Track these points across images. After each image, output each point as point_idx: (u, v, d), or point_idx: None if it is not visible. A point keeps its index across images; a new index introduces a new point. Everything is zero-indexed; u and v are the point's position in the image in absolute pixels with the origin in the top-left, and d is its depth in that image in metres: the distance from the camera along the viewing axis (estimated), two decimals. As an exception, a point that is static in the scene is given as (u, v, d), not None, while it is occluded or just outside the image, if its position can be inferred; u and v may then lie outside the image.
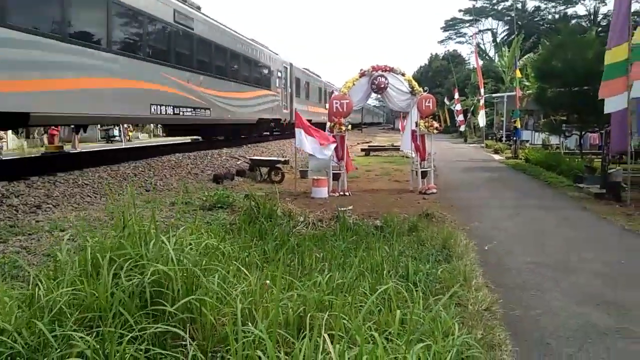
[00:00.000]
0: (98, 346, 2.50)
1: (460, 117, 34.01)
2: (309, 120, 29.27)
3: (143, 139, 31.94)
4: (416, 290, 3.51)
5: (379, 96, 11.45)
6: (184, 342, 2.68)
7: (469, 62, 61.11)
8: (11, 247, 5.26)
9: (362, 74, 10.64)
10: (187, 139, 20.63)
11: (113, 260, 3.20)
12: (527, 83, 25.85)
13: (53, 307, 2.79)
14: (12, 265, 4.50)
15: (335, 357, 2.09)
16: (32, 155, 14.24)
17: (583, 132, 16.34)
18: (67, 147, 19.38)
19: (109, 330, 2.55)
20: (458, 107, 33.73)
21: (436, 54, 71.24)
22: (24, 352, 2.53)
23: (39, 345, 2.59)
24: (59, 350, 2.51)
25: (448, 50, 68.76)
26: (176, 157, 13.23)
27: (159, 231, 3.60)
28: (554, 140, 21.83)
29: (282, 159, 13.01)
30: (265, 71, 22.44)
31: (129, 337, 2.55)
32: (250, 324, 2.80)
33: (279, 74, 24.45)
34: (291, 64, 27.14)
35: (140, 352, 2.57)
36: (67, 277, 3.06)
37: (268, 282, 3.29)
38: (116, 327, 2.62)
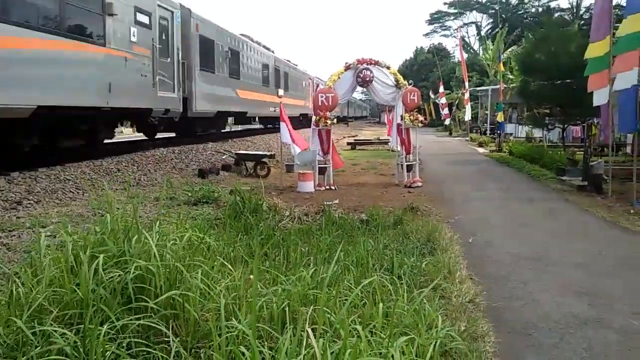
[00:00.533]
0: (79, 342, 2.47)
1: (445, 111, 34.16)
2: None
3: (127, 134, 31.54)
4: (400, 284, 3.52)
5: (365, 89, 11.45)
6: (166, 339, 2.66)
7: (454, 56, 61.49)
8: (-9, 244, 5.15)
9: (347, 67, 10.62)
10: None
11: (95, 257, 3.16)
12: (511, 76, 26.09)
13: (33, 305, 2.75)
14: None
15: (319, 351, 2.08)
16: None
17: (566, 125, 16.55)
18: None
19: (89, 327, 2.52)
20: (443, 100, 33.87)
21: (421, 47, 71.38)
22: (1, 350, 2.49)
23: (17, 343, 2.54)
24: (38, 347, 2.47)
25: (433, 44, 68.99)
26: (160, 152, 13.10)
27: (140, 227, 3.55)
28: (537, 133, 22.08)
29: (268, 153, 12.96)
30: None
31: (107, 331, 2.52)
32: (234, 319, 2.79)
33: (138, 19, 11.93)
34: (190, 11, 15.45)
35: (122, 349, 2.54)
36: (48, 274, 3.01)
37: (252, 277, 3.27)
38: (97, 324, 2.59)
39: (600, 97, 9.31)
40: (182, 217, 5.57)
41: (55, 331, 2.53)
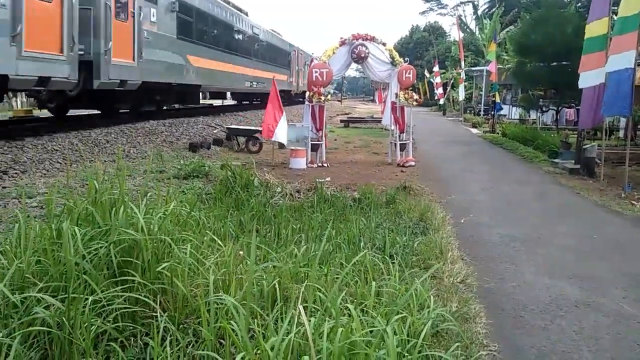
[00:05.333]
0: (64, 310, 2.39)
1: (440, 90, 33.99)
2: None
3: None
4: (392, 263, 3.48)
5: (359, 66, 11.28)
6: (154, 314, 2.60)
7: (450, 35, 60.83)
8: (-26, 213, 5.03)
9: (342, 43, 10.43)
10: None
11: (81, 229, 3.07)
12: (506, 57, 25.89)
13: (16, 276, 2.66)
14: (-25, 232, 4.31)
15: (310, 329, 2.03)
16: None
17: (560, 108, 16.51)
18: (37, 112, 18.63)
19: (73, 297, 2.44)
20: (438, 79, 33.65)
21: (417, 25, 70.54)
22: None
23: (-1, 313, 2.46)
24: (20, 317, 2.40)
25: (429, 22, 68.17)
26: (150, 124, 12.87)
27: (128, 199, 3.46)
28: (531, 115, 22.05)
29: (260, 129, 12.79)
30: None
31: (92, 307, 2.45)
32: (224, 295, 2.73)
33: None
34: None
35: (108, 323, 2.48)
36: (32, 245, 2.92)
37: (242, 252, 3.22)
38: (82, 297, 2.51)
39: (588, 80, 9.20)
40: (171, 190, 5.47)
41: (39, 301, 2.46)
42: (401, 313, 2.54)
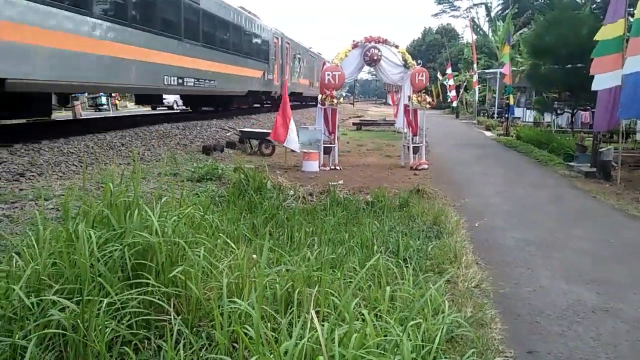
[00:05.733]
0: (78, 312, 2.41)
1: (453, 93, 33.80)
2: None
3: (132, 108, 31.37)
4: (406, 267, 3.45)
5: (372, 69, 11.26)
6: (168, 317, 2.60)
7: (463, 37, 60.48)
8: (-8, 215, 5.11)
9: (354, 45, 10.41)
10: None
11: (96, 231, 3.09)
12: (520, 59, 25.64)
13: (32, 278, 2.69)
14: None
15: (323, 335, 2.02)
16: (16, 122, 13.89)
17: (575, 110, 16.30)
18: (60, 115, 18.82)
19: (88, 299, 2.46)
20: (450, 82, 33.47)
21: (430, 27, 70.32)
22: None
23: (15, 315, 2.49)
24: (36, 320, 2.42)
25: (442, 24, 67.86)
26: (164, 127, 12.98)
27: (142, 202, 3.48)
28: (545, 117, 21.81)
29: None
30: None
31: (107, 309, 2.46)
32: (237, 298, 2.73)
33: None
34: None
35: (122, 326, 2.49)
36: (49, 248, 2.94)
37: (254, 255, 3.21)
38: (97, 299, 2.53)
39: (604, 82, 9.06)
40: (185, 193, 5.51)
41: (55, 303, 2.48)
42: (415, 318, 2.52)
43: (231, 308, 2.56)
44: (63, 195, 5.96)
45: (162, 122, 13.78)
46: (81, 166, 7.93)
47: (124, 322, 2.53)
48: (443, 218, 5.48)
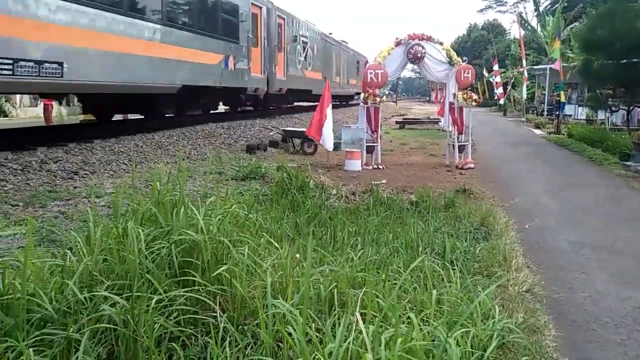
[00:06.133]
0: (128, 306, 2.46)
1: (500, 90, 32.80)
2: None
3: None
4: (453, 269, 3.35)
5: (415, 66, 11.08)
6: (214, 314, 2.63)
7: (510, 33, 58.69)
8: (49, 211, 5.35)
9: (397, 43, 10.27)
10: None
11: (144, 229, 3.17)
12: (571, 54, 24.61)
13: (84, 274, 2.78)
14: (50, 229, 4.57)
15: (368, 338, 1.98)
16: (71, 123, 14.55)
17: (631, 107, 15.47)
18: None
19: (137, 295, 2.52)
20: (497, 79, 32.46)
21: (475, 23, 68.56)
22: (55, 316, 2.53)
23: (69, 309, 2.57)
24: (88, 314, 2.49)
25: (488, 20, 65.99)
26: (210, 127, 13.25)
27: (189, 200, 3.54)
28: (599, 115, 20.81)
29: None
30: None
31: (156, 301, 2.51)
32: (280, 297, 2.73)
33: None
34: None
35: (170, 322, 2.54)
36: (100, 244, 3.03)
37: (298, 255, 3.21)
38: (146, 295, 2.58)
39: None
40: (230, 191, 5.58)
41: (106, 298, 2.55)
42: (464, 323, 2.43)
43: (275, 307, 2.56)
44: (114, 193, 6.17)
45: (208, 122, 14.06)
46: (131, 165, 8.20)
47: (171, 318, 2.57)
48: (491, 219, 5.31)
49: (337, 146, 11.26)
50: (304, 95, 23.38)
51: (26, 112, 23.38)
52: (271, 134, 13.77)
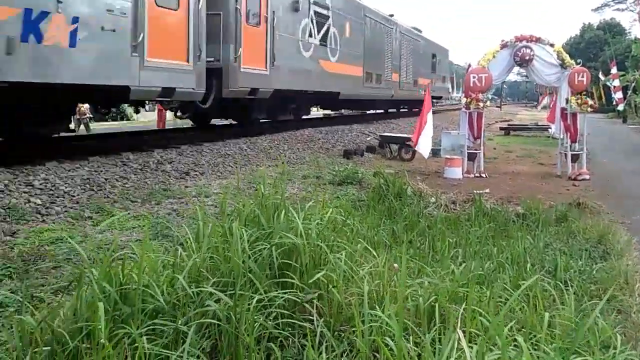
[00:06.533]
0: (231, 304, 2.57)
1: (619, 95, 29.88)
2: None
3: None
4: (566, 290, 3.08)
5: (523, 70, 10.47)
6: (310, 318, 2.66)
7: (630, 32, 53.13)
8: (164, 209, 5.79)
9: (503, 45, 9.77)
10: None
11: (247, 230, 3.30)
12: None
13: (193, 269, 2.95)
14: (164, 225, 4.94)
15: (472, 359, 1.87)
16: (184, 126, 15.69)
17: None
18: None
19: (241, 294, 2.62)
20: (616, 83, 29.63)
21: (589, 23, 63.12)
22: (166, 308, 2.71)
23: (178, 302, 2.74)
24: (195, 308, 2.64)
25: (604, 19, 60.40)
26: (309, 132, 13.57)
27: (288, 203, 3.64)
28: None
29: (412, 136, 12.61)
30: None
31: (257, 301, 2.59)
32: (377, 307, 2.69)
33: None
34: None
35: (269, 321, 2.60)
36: (208, 242, 3.20)
37: (396, 265, 3.14)
38: (248, 294, 2.68)
39: None
40: (327, 196, 5.65)
41: (211, 294, 2.68)
42: (579, 351, 2.21)
43: (372, 316, 2.53)
44: (220, 193, 6.53)
45: (307, 127, 14.41)
46: (236, 167, 8.63)
47: (270, 318, 2.64)
48: (610, 237, 4.82)
49: (436, 153, 10.97)
50: (324, 99, 16.32)
51: (145, 116, 25.61)
52: (368, 139, 13.78)
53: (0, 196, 5.19)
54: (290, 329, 2.68)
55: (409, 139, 11.98)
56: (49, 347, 2.29)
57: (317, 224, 3.39)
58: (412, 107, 25.03)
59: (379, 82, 18.48)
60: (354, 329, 2.54)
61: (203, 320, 2.55)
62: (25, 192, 5.49)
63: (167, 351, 2.30)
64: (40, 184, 5.81)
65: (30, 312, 2.65)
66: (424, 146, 9.47)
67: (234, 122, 13.79)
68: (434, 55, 26.99)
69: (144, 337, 2.28)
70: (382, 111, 23.22)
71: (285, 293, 2.78)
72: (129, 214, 5.42)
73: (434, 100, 24.29)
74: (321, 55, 14.16)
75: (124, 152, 8.07)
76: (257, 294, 2.70)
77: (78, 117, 16.15)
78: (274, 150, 10.68)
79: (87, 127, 16.95)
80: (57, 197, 5.63)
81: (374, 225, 4.78)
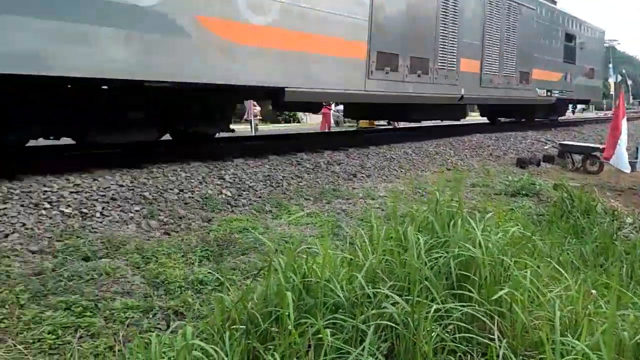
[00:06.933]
0: (409, 309, 2.55)
1: None
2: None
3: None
4: None
5: None
6: (491, 336, 2.51)
7: None
8: (333, 208, 6.05)
9: None
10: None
11: (422, 236, 3.25)
12: None
13: (368, 270, 3.01)
14: (335, 224, 5.16)
15: None
16: (350, 129, 16.25)
17: None
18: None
19: (418, 301, 2.59)
20: None
21: None
22: (345, 304, 2.80)
23: (356, 300, 2.81)
24: (373, 308, 2.68)
25: None
26: (477, 138, 12.94)
27: (464, 213, 3.50)
28: None
29: (601, 146, 11.17)
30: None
31: (434, 311, 2.53)
32: (569, 335, 2.42)
33: None
34: None
35: (447, 334, 2.53)
36: (381, 245, 3.24)
37: (594, 292, 2.79)
38: (425, 302, 2.63)
39: None
40: (501, 208, 5.31)
41: (387, 297, 2.70)
42: None
43: (565, 345, 2.29)
44: (386, 196, 6.60)
45: (475, 133, 13.76)
46: (401, 171, 8.64)
47: (447, 330, 2.56)
48: None
49: (632, 166, 9.57)
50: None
51: (312, 118, 27.14)
52: (545, 147, 12.62)
53: (199, 187, 5.96)
54: (468, 344, 2.57)
55: (597, 149, 10.66)
56: (244, 326, 2.54)
57: (499, 237, 3.20)
58: (524, 116, 18.14)
59: (521, 82, 14.34)
60: (541, 356, 2.33)
61: (381, 321, 2.58)
62: (218, 185, 6.22)
63: (349, 347, 2.37)
64: (230, 178, 6.52)
65: (226, 293, 2.98)
66: (621, 159, 8.31)
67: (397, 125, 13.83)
68: (571, 36, 18.10)
69: (328, 330, 2.39)
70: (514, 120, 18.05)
71: (463, 306, 2.67)
72: (303, 210, 5.78)
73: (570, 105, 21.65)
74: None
75: (298, 152, 8.64)
76: (434, 302, 2.64)
77: (250, 118, 17.57)
78: (439, 155, 10.42)
79: (255, 128, 18.29)
80: (243, 190, 6.26)
81: (558, 244, 4.34)
